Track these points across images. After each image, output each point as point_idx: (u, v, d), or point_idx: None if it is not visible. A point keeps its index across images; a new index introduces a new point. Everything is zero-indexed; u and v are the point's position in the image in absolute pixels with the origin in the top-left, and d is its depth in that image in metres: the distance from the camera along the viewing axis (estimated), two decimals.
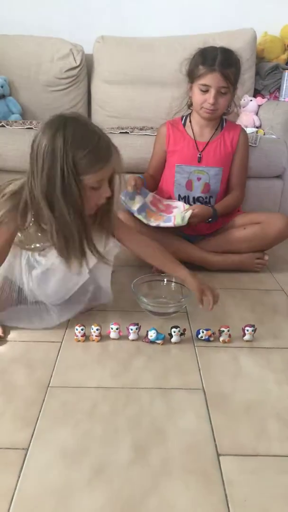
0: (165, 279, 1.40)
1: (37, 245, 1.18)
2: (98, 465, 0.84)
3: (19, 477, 0.81)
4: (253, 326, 1.22)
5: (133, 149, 1.91)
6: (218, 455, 0.86)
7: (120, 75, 2.33)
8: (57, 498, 0.77)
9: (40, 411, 0.95)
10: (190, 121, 1.69)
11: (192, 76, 1.58)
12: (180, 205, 1.66)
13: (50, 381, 1.05)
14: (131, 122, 2.33)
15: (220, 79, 1.52)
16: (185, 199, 1.68)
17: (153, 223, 1.56)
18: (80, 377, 1.07)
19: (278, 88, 2.36)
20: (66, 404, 0.98)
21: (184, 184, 1.67)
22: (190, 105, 1.68)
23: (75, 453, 0.86)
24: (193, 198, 1.68)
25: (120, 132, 1.98)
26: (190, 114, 1.71)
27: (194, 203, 1.68)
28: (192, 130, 1.68)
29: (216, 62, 1.51)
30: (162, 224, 1.56)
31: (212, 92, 1.54)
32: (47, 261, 1.19)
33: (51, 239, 1.11)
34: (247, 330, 1.22)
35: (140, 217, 1.56)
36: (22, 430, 0.90)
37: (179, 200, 1.69)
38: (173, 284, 1.41)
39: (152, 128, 2.23)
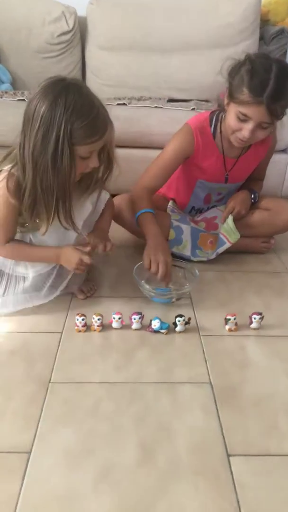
0: None
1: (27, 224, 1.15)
2: (103, 467, 0.80)
3: (22, 483, 0.77)
4: (260, 314, 1.18)
5: (131, 121, 1.81)
6: (228, 455, 0.83)
7: (116, 40, 2.19)
8: (63, 504, 0.75)
9: (41, 410, 0.92)
10: (220, 132, 1.41)
11: (232, 94, 1.28)
12: (215, 211, 1.58)
13: (51, 376, 1.01)
14: (128, 91, 2.20)
15: (265, 114, 1.24)
16: (193, 209, 1.60)
17: (213, 254, 1.50)
18: (82, 371, 1.02)
19: (284, 54, 2.23)
20: (69, 402, 0.94)
21: (202, 198, 1.56)
22: (223, 109, 1.39)
23: (79, 455, 0.83)
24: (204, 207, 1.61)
25: (118, 104, 1.87)
26: (221, 120, 1.41)
27: (201, 211, 1.61)
28: (222, 143, 1.43)
29: (265, 92, 1.20)
30: (221, 250, 1.49)
31: (251, 125, 1.27)
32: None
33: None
34: (254, 318, 1.18)
35: (200, 257, 1.49)
36: (24, 432, 0.87)
37: (191, 211, 1.61)
38: (176, 268, 1.36)
39: (150, 98, 2.12)
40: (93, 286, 1.34)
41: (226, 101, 1.34)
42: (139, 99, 2.06)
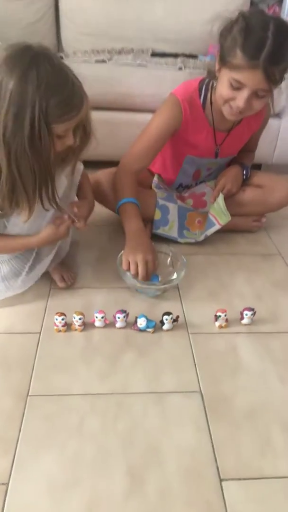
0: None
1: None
2: (89, 501, 0.75)
3: None
4: (252, 309, 1.11)
5: (111, 81, 1.63)
6: (221, 480, 0.79)
7: None
8: None
9: (20, 430, 0.85)
10: (211, 102, 1.27)
11: (224, 58, 1.11)
12: (204, 187, 1.47)
13: (29, 388, 0.93)
14: (108, 41, 1.97)
15: (262, 79, 1.08)
16: (181, 185, 1.47)
17: (201, 236, 1.40)
18: (64, 381, 0.95)
19: (279, 1, 2.03)
20: (50, 419, 0.87)
21: (191, 174, 1.42)
22: (213, 76, 1.22)
23: (63, 485, 0.77)
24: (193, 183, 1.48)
25: (96, 61, 1.67)
26: (211, 89, 1.26)
27: (189, 187, 1.49)
28: (212, 115, 1.29)
29: (262, 54, 1.04)
30: (210, 233, 1.39)
31: (246, 93, 1.12)
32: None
33: None
34: (246, 314, 1.11)
35: (188, 239, 1.41)
36: (1, 458, 0.80)
37: (178, 188, 1.48)
38: (162, 255, 1.26)
39: (132, 50, 1.91)
40: (74, 274, 1.25)
41: (217, 66, 1.18)
42: (120, 52, 1.86)
